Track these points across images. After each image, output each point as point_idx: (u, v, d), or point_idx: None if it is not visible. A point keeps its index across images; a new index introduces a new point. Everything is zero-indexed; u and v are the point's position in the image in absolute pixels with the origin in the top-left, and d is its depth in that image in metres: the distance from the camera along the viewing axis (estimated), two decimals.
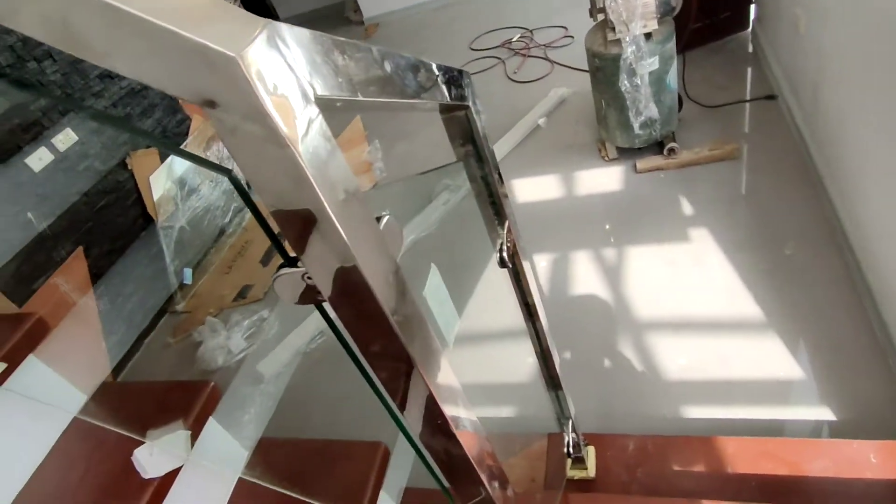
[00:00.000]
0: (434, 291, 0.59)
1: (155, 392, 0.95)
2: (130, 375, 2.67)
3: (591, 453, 1.41)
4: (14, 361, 0.88)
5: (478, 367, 2.03)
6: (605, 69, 2.24)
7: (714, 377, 1.66)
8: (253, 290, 2.94)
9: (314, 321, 2.54)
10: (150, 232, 2.93)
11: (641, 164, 2.46)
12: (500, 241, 0.86)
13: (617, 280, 2.07)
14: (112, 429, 0.86)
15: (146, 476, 0.80)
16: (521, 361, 1.94)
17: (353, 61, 0.42)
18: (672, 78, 2.26)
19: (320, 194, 0.36)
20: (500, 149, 2.91)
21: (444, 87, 0.64)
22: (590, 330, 1.94)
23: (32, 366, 0.94)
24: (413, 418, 0.54)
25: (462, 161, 0.79)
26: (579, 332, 1.94)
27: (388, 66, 0.49)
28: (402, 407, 0.52)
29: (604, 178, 2.53)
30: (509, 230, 0.87)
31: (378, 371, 0.50)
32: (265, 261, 3.07)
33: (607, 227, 2.31)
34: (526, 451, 1.60)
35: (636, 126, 2.32)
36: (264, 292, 2.90)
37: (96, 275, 2.60)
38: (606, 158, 2.58)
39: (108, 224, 2.72)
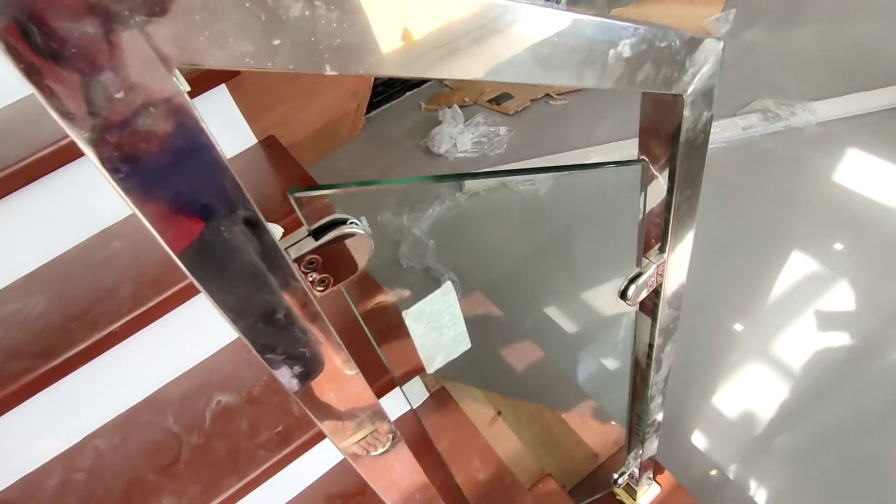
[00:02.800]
0: (432, 312, 0.44)
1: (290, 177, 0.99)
2: (372, 124, 2.95)
3: (651, 492, 1.21)
4: (201, 88, 0.97)
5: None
6: None
7: None
8: (508, 103, 2.86)
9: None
10: None
11: None
12: (640, 273, 0.62)
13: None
14: None
15: None
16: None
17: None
18: None
19: None
20: (866, 100, 2.10)
21: (628, 69, 0.39)
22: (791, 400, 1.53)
23: (219, 96, 1.03)
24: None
25: (643, 161, 0.54)
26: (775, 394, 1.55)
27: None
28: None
29: None
30: (662, 267, 0.62)
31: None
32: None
33: None
34: (606, 428, 1.45)
35: None
36: (516, 110, 2.80)
37: None
38: None
39: None
